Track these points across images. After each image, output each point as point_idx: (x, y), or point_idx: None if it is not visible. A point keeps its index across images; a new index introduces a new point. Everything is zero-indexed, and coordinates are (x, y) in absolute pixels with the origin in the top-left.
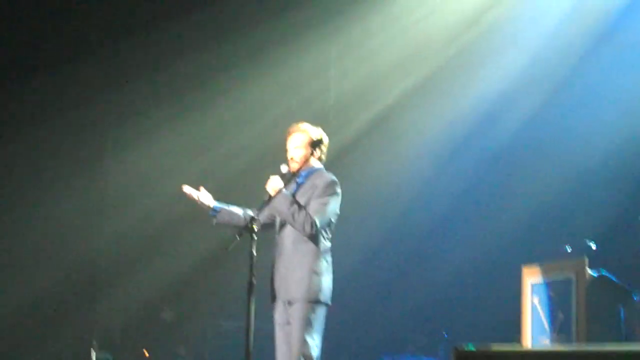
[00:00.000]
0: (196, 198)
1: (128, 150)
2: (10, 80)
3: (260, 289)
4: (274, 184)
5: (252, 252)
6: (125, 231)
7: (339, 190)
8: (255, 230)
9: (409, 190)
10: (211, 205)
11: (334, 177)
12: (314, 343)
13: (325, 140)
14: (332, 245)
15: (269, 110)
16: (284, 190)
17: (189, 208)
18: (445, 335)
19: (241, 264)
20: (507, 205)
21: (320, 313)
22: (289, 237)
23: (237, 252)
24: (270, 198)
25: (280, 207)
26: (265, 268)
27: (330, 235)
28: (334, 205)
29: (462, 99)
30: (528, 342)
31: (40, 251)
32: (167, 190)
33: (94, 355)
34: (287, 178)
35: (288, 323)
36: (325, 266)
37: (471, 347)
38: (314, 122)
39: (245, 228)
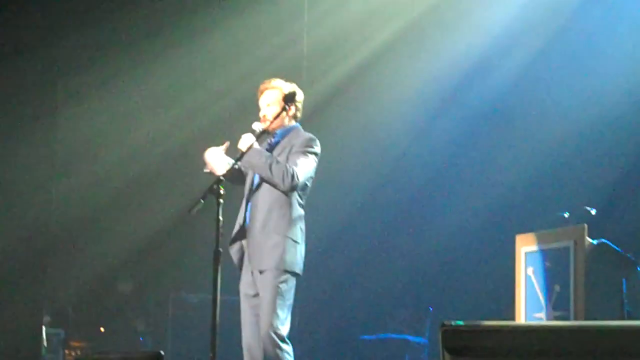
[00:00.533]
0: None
1: (81, 102)
2: None
3: (226, 257)
4: (246, 142)
5: (218, 217)
6: (78, 194)
7: (317, 149)
8: (222, 193)
9: (390, 151)
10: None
11: (312, 135)
12: (284, 316)
13: (300, 96)
14: (307, 212)
15: (238, 60)
16: (256, 144)
17: (147, 168)
18: (431, 309)
19: (206, 231)
20: (498, 169)
21: (292, 285)
22: (262, 202)
23: (202, 217)
24: (242, 154)
25: (254, 160)
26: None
27: (303, 201)
28: (313, 164)
29: (450, 48)
30: (521, 317)
31: None
32: (125, 148)
33: (44, 331)
34: (260, 135)
35: (256, 294)
36: (300, 234)
37: (460, 323)
38: (286, 73)
39: (210, 190)
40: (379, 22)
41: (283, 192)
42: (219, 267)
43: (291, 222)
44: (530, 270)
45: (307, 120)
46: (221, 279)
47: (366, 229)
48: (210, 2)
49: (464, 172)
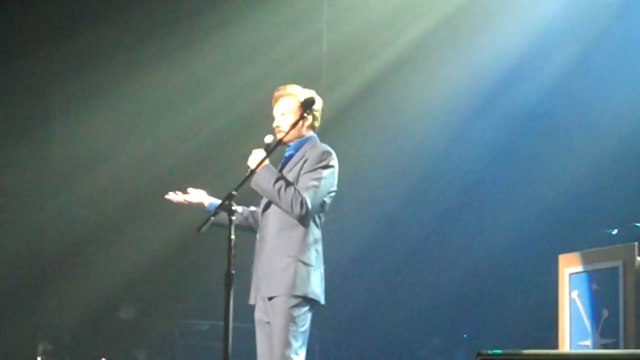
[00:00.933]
0: (184, 201)
1: (78, 112)
2: None
3: (240, 280)
4: (256, 158)
5: (230, 236)
6: (75, 210)
7: (333, 162)
8: (234, 209)
9: (419, 162)
10: (205, 204)
11: (328, 148)
12: (298, 345)
13: (319, 103)
14: (326, 232)
15: (252, 63)
16: (268, 164)
17: (151, 183)
18: (465, 336)
19: (217, 251)
20: (538, 181)
21: (305, 310)
22: (273, 221)
23: (213, 236)
24: (252, 173)
25: (263, 184)
26: (248, 256)
27: (322, 220)
28: (329, 181)
29: (483, 50)
30: (565, 345)
31: None
32: (126, 161)
33: None
34: (272, 150)
35: (269, 321)
36: (315, 256)
37: (497, 352)
38: (304, 75)
39: (222, 207)
40: (406, 20)
41: (294, 218)
42: (231, 291)
43: (304, 243)
44: (574, 294)
45: (327, 128)
46: (234, 304)
47: (393, 248)
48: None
49: (500, 185)
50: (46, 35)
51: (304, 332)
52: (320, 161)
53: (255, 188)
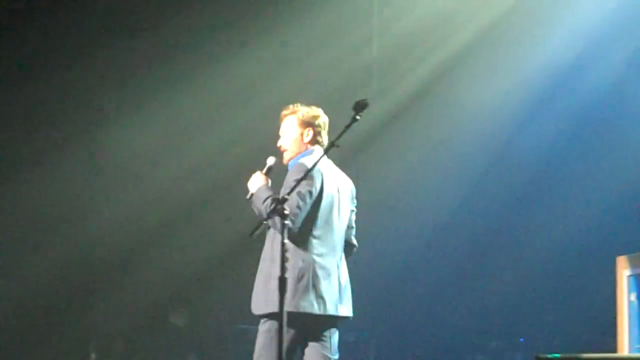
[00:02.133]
0: None
1: (131, 116)
2: None
3: None
4: (253, 181)
5: (282, 240)
6: (127, 215)
7: (306, 168)
8: (286, 213)
9: (473, 164)
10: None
11: (303, 161)
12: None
13: (322, 120)
14: (383, 234)
15: (303, 67)
16: (262, 185)
17: (204, 186)
18: (522, 340)
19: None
20: (596, 182)
21: (292, 328)
22: (267, 240)
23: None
24: (252, 197)
25: (258, 205)
26: None
27: (319, 232)
28: (306, 190)
29: (538, 49)
30: (624, 348)
31: (25, 241)
32: (179, 166)
33: None
34: (269, 172)
35: None
36: (311, 270)
37: (556, 356)
38: (355, 78)
39: (274, 210)
40: (456, 21)
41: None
42: (285, 295)
43: (295, 259)
44: (633, 296)
45: (380, 131)
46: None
47: (448, 252)
48: (272, 2)
49: (558, 187)
50: (97, 41)
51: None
52: (293, 175)
53: (254, 210)
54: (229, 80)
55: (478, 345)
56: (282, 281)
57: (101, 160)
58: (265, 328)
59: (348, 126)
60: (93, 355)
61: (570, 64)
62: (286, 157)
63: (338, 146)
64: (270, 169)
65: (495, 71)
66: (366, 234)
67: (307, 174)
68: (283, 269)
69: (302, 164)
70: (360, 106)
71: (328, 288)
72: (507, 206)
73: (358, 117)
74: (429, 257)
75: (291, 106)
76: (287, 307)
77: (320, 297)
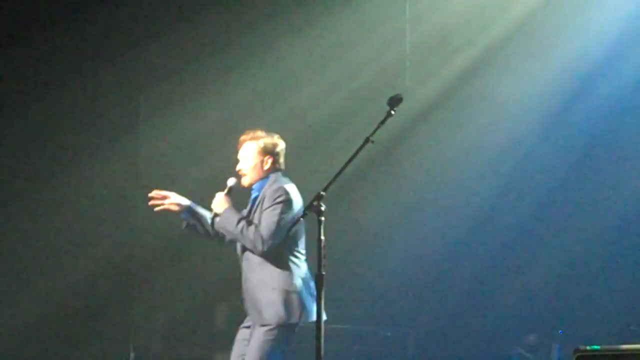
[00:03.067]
0: (165, 206)
1: (165, 115)
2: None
3: (330, 281)
4: (217, 202)
5: (320, 237)
6: (164, 216)
7: (289, 197)
8: (323, 210)
9: (507, 159)
10: (185, 204)
11: (283, 184)
12: None
13: (281, 147)
14: (419, 231)
15: (336, 64)
16: (229, 207)
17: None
18: (561, 332)
19: (307, 252)
20: (633, 175)
21: (282, 338)
22: (254, 258)
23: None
24: (216, 216)
25: (227, 226)
26: (339, 253)
27: (300, 251)
28: (287, 215)
29: (569, 46)
30: None
31: (66, 241)
32: (215, 163)
33: None
34: (230, 192)
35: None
36: (300, 283)
37: (596, 348)
38: (388, 74)
39: (310, 207)
40: (489, 17)
41: (258, 255)
42: (323, 292)
43: (287, 274)
44: None
45: (411, 127)
46: (325, 304)
47: (486, 245)
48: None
49: (595, 179)
50: (132, 40)
51: (275, 356)
52: (276, 198)
53: (220, 230)
54: (262, 77)
55: (516, 337)
56: (320, 277)
57: (137, 161)
58: (271, 336)
59: (383, 122)
60: (132, 355)
61: (604, 57)
62: (244, 181)
63: (373, 142)
64: (231, 189)
65: (528, 67)
66: (404, 229)
67: (289, 201)
68: (320, 265)
69: (280, 189)
70: (394, 101)
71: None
72: (546, 198)
73: (393, 112)
74: (467, 251)
75: (251, 132)
76: (302, 321)
77: (305, 306)
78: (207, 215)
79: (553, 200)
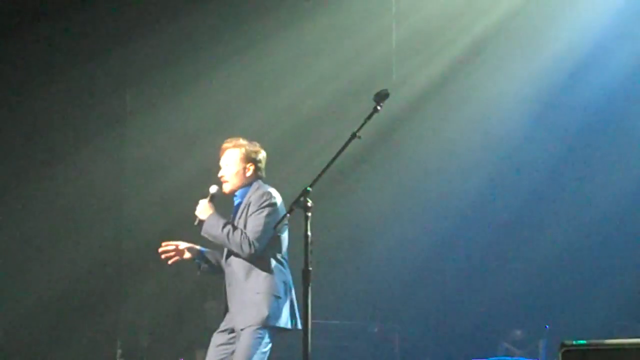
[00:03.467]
0: (179, 257)
1: (151, 112)
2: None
3: (317, 277)
4: (202, 208)
5: (306, 232)
6: (150, 211)
7: (274, 200)
8: (310, 205)
9: (493, 154)
10: (197, 249)
11: (268, 189)
12: None
13: (262, 155)
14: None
15: (322, 58)
16: (213, 213)
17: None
18: (547, 327)
19: (293, 248)
20: (621, 169)
21: (270, 339)
22: (238, 265)
23: (289, 233)
24: (201, 223)
25: (212, 231)
26: (322, 250)
27: (282, 256)
28: (272, 218)
29: (557, 40)
30: None
31: (54, 237)
32: (200, 160)
33: None
34: (213, 199)
35: (227, 344)
36: (282, 288)
37: (582, 342)
38: (375, 71)
39: (297, 203)
40: (474, 13)
41: (244, 259)
42: (309, 288)
43: (270, 278)
44: None
45: (399, 122)
46: (312, 300)
47: (472, 241)
48: None
49: (581, 173)
50: (119, 37)
51: (264, 354)
52: (262, 202)
53: (206, 235)
54: (249, 74)
55: (503, 332)
56: (307, 273)
57: (123, 158)
58: (258, 336)
59: (369, 117)
60: (119, 351)
61: (591, 53)
62: (226, 188)
63: (359, 137)
64: (213, 196)
65: (516, 61)
66: (390, 225)
67: (275, 205)
68: (307, 261)
69: (268, 193)
70: (381, 97)
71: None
72: (531, 194)
73: (379, 108)
74: (452, 246)
75: (234, 140)
76: (284, 325)
77: (294, 313)
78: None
79: (539, 197)
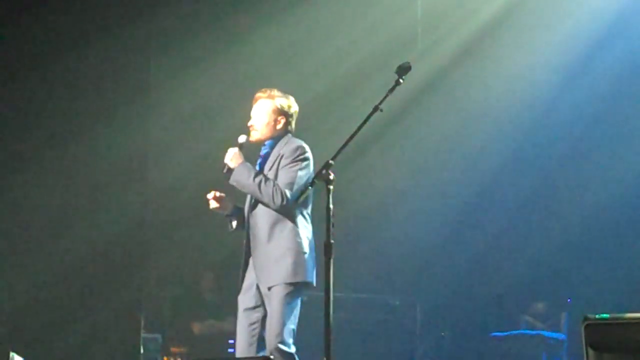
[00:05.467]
0: (221, 206)
1: (176, 81)
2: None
3: (338, 250)
4: (232, 156)
5: (328, 205)
6: (175, 183)
7: (307, 155)
8: (331, 178)
9: (516, 124)
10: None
11: (301, 143)
12: (292, 327)
13: (294, 109)
14: (427, 198)
15: (348, 27)
16: (244, 161)
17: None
18: (569, 301)
19: (315, 221)
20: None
21: (299, 295)
22: (262, 218)
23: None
24: (230, 171)
25: (242, 180)
26: (348, 222)
27: (309, 213)
28: (305, 173)
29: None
30: None
31: (79, 205)
32: (226, 131)
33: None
34: (242, 147)
35: (256, 307)
36: (307, 244)
37: (604, 316)
38: (400, 40)
39: (319, 175)
40: None
41: (275, 210)
42: (331, 261)
43: (296, 233)
44: None
45: (424, 91)
46: (334, 273)
47: (495, 211)
48: None
49: (603, 146)
50: (142, 5)
51: (296, 315)
52: (296, 156)
53: (235, 184)
54: (272, 44)
55: (525, 306)
56: (328, 246)
57: (148, 130)
58: (289, 291)
59: (391, 90)
60: (143, 322)
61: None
62: (254, 136)
63: (381, 110)
64: (242, 146)
65: (540, 35)
66: (412, 197)
67: (308, 160)
68: (329, 234)
69: (302, 147)
70: (403, 70)
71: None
72: (554, 164)
73: (401, 81)
74: (475, 219)
75: (268, 90)
76: (310, 279)
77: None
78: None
79: (565, 168)
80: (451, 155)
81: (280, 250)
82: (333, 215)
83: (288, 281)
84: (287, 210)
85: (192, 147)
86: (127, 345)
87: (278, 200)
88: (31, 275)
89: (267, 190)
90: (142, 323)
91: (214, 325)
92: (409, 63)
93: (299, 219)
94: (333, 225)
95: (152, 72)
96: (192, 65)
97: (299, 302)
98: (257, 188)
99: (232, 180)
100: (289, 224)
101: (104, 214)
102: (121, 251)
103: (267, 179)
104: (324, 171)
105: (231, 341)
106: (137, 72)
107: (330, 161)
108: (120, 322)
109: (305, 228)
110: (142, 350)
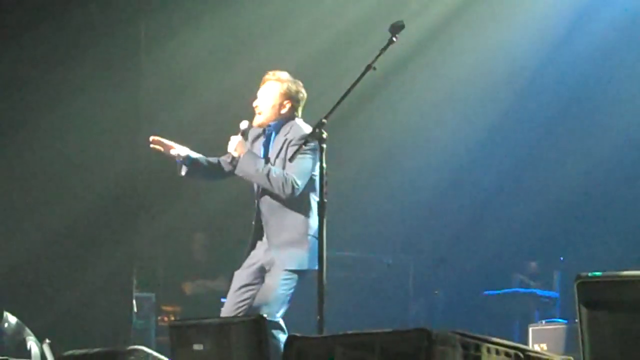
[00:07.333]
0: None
1: (166, 43)
2: None
3: (332, 208)
4: (235, 145)
5: (322, 164)
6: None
7: (315, 143)
8: (324, 137)
9: (515, 85)
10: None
11: (307, 129)
12: (285, 307)
13: (302, 95)
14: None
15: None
16: (249, 150)
17: (243, 111)
18: (561, 259)
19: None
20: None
21: (299, 280)
22: (272, 205)
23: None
24: (234, 160)
25: (249, 169)
26: (336, 183)
27: (318, 197)
28: (313, 160)
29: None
30: None
31: (65, 169)
32: (219, 91)
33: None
34: (245, 133)
35: (250, 285)
36: (317, 229)
37: (597, 274)
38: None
39: (312, 134)
40: None
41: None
42: (324, 220)
43: (306, 218)
44: None
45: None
46: (327, 232)
47: (487, 171)
48: None
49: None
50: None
51: (291, 294)
52: (304, 143)
53: (241, 174)
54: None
55: (518, 264)
56: (322, 205)
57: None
58: (290, 278)
59: (384, 48)
60: (134, 281)
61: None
62: (258, 120)
63: (375, 68)
64: (244, 132)
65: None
66: (405, 155)
67: (316, 148)
68: (322, 193)
69: (311, 135)
70: (396, 28)
71: None
72: (545, 124)
73: (394, 39)
74: (467, 178)
75: (277, 73)
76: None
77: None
78: (201, 156)
79: (555, 127)
80: (444, 114)
81: (292, 234)
82: (326, 174)
83: (292, 268)
84: (298, 196)
85: (184, 108)
86: (121, 304)
87: (288, 190)
88: (24, 235)
89: (276, 180)
90: (135, 282)
91: (205, 284)
92: (402, 21)
93: (310, 202)
94: (327, 184)
95: (143, 31)
96: (183, 24)
97: (293, 288)
98: (265, 178)
99: (239, 171)
100: (302, 207)
101: (96, 174)
102: (114, 211)
103: (275, 168)
104: (316, 130)
105: (223, 300)
106: (128, 31)
107: (324, 120)
108: (113, 281)
109: (314, 212)
110: (135, 309)
